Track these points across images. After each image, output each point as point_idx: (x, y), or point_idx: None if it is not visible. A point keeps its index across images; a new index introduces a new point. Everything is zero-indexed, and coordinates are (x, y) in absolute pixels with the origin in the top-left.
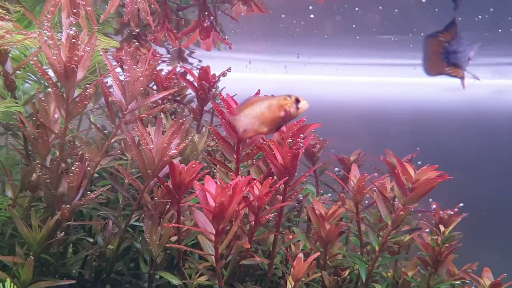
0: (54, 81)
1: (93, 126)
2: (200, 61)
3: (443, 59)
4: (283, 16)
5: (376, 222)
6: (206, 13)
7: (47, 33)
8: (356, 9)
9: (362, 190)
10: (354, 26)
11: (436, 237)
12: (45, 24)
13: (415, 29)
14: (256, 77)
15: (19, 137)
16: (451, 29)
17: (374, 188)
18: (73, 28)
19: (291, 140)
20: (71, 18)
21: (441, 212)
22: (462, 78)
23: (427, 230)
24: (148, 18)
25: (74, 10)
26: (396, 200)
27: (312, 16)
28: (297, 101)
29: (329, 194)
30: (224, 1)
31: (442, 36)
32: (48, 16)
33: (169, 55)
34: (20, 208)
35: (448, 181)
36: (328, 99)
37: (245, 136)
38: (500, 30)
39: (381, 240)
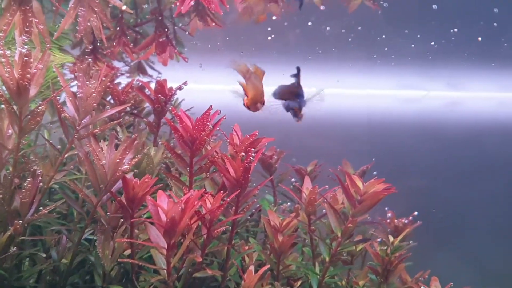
0: (7, 98)
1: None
2: (159, 73)
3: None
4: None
5: (329, 233)
6: (163, 28)
7: (0, 51)
8: (309, 23)
9: (313, 202)
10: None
11: (386, 247)
12: None
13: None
14: (217, 88)
15: None
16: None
17: (325, 200)
18: (25, 46)
19: (244, 154)
20: (23, 36)
21: (395, 220)
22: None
23: (378, 239)
24: (100, 36)
25: (26, 29)
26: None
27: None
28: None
29: (289, 203)
30: (181, 16)
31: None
32: (0, 34)
33: (127, 67)
34: None
35: (404, 189)
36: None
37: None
38: (451, 44)
39: (331, 250)
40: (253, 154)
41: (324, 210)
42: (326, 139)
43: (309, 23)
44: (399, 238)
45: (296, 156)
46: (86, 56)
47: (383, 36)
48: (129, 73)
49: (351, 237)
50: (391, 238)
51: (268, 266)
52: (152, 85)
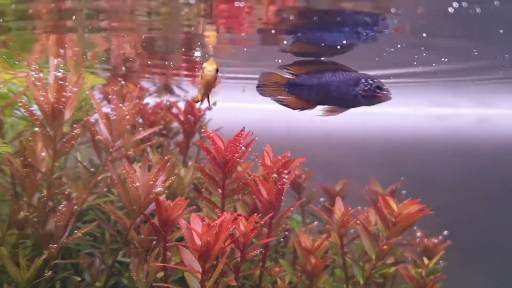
0: (41, 121)
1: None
2: (187, 92)
3: (284, 88)
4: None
5: (362, 255)
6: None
7: (35, 75)
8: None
9: (346, 224)
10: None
11: (420, 269)
12: (33, 66)
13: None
14: (246, 106)
15: (6, 174)
16: (305, 66)
17: (358, 222)
18: (60, 70)
19: (276, 175)
20: (58, 60)
21: (425, 240)
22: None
23: (410, 258)
24: (133, 63)
25: (60, 51)
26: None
27: None
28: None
29: (316, 223)
30: None
31: (291, 69)
32: (36, 58)
33: (155, 87)
34: (7, 246)
35: (433, 207)
36: (313, 128)
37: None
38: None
39: (365, 273)
40: (286, 176)
41: (352, 230)
42: (353, 158)
43: None
44: (434, 260)
45: (323, 174)
46: (118, 78)
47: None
48: (157, 93)
49: (383, 259)
50: (425, 261)
51: None
52: (181, 105)
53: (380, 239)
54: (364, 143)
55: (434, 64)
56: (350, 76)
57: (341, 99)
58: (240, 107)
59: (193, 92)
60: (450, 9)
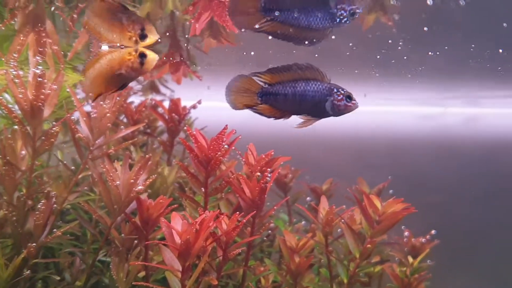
0: (20, 119)
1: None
2: (172, 91)
3: (257, 97)
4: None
5: (346, 254)
6: (176, 47)
7: (14, 72)
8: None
9: (331, 223)
10: (316, 56)
11: (405, 268)
12: (12, 62)
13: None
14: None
15: None
16: (278, 73)
17: (342, 221)
18: (40, 67)
19: (259, 174)
20: (38, 57)
21: (413, 239)
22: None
23: (397, 258)
24: None
25: (40, 49)
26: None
27: None
28: (142, 55)
29: (303, 222)
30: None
31: (263, 77)
32: (15, 55)
33: (140, 86)
34: None
35: (420, 206)
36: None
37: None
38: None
39: (350, 272)
40: (269, 175)
41: (339, 230)
42: (340, 156)
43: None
44: (419, 259)
45: (310, 173)
46: None
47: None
48: (142, 92)
49: (368, 257)
50: (410, 259)
51: None
52: (165, 104)
53: (365, 238)
54: (352, 143)
55: (421, 63)
56: (323, 85)
57: (315, 109)
58: (227, 106)
59: (181, 91)
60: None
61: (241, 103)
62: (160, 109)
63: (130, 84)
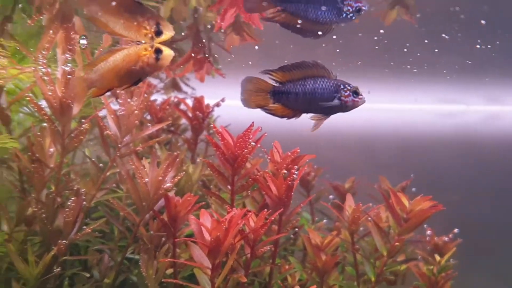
0: (49, 116)
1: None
2: (194, 89)
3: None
4: (276, 42)
5: (372, 252)
6: (200, 45)
7: (43, 69)
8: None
9: (357, 221)
10: (338, 50)
11: (432, 266)
12: (41, 60)
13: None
14: None
15: (13, 170)
16: (289, 71)
17: (369, 218)
18: (69, 64)
19: (285, 171)
20: (67, 54)
21: (435, 238)
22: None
23: (419, 257)
24: None
25: (69, 47)
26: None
27: None
28: (158, 51)
29: (325, 221)
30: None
31: (274, 75)
32: (43, 52)
33: (162, 84)
34: (16, 242)
35: (443, 205)
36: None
37: (92, 95)
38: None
39: (377, 270)
40: (296, 172)
41: (361, 228)
42: (360, 155)
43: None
44: (446, 257)
45: (331, 172)
46: None
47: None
48: (164, 90)
49: (395, 256)
50: (437, 257)
51: (314, 287)
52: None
53: (391, 236)
54: (373, 141)
55: (443, 60)
56: (330, 82)
57: (325, 106)
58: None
59: (202, 88)
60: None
61: (254, 103)
62: (183, 107)
63: (153, 82)
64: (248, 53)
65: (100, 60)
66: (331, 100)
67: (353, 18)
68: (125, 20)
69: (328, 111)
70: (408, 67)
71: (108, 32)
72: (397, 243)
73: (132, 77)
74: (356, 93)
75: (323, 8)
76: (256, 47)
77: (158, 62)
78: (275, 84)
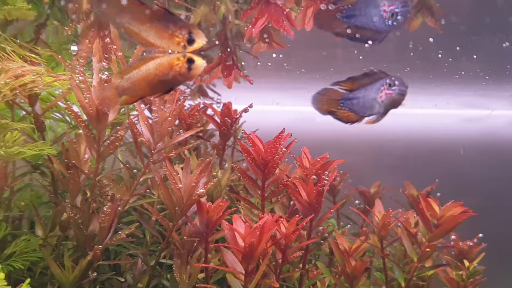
0: (86, 123)
1: (120, 164)
2: (219, 95)
3: (339, 104)
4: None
5: (401, 258)
6: (228, 51)
7: (79, 77)
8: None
9: (387, 226)
10: (361, 57)
11: (461, 272)
12: (77, 68)
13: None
14: (274, 109)
15: (46, 176)
16: (356, 80)
17: (399, 224)
18: (106, 72)
19: (315, 177)
20: (103, 63)
21: (460, 243)
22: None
23: (444, 261)
24: None
25: (106, 55)
26: (419, 234)
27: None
28: (190, 61)
29: (348, 226)
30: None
31: (344, 85)
32: (80, 60)
33: (188, 89)
34: (50, 247)
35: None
36: (344, 129)
37: (123, 102)
38: None
39: (406, 276)
40: (326, 178)
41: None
42: (385, 160)
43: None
44: (475, 262)
45: (353, 177)
46: None
47: (440, 54)
48: (190, 95)
49: (424, 261)
50: (466, 263)
51: None
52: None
53: (420, 242)
54: (396, 145)
55: (465, 64)
56: (383, 82)
57: (383, 107)
58: (265, 110)
59: (228, 94)
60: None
61: (325, 110)
62: (209, 112)
63: (180, 88)
64: (262, 56)
65: (132, 68)
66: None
67: (395, 23)
68: (157, 29)
69: (384, 111)
70: (430, 71)
71: (140, 42)
72: (427, 249)
73: (164, 86)
74: (389, 85)
75: (375, 19)
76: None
77: (190, 72)
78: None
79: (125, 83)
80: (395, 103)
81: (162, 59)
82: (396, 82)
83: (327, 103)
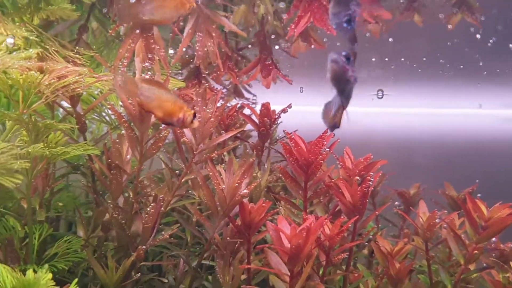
0: (129, 123)
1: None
2: (255, 96)
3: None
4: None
5: (445, 260)
6: (267, 51)
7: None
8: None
9: (433, 228)
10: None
11: (508, 274)
12: (120, 68)
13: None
14: (308, 109)
15: (86, 177)
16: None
17: (444, 225)
18: (149, 72)
19: (358, 178)
20: (147, 63)
21: (501, 245)
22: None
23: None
24: (217, 61)
25: (149, 56)
26: (463, 236)
27: None
28: (195, 115)
29: (386, 228)
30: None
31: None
32: (124, 61)
33: (224, 90)
34: (91, 248)
35: None
36: (381, 130)
37: (140, 105)
38: None
39: (452, 278)
40: (371, 178)
41: None
42: (421, 160)
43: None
44: None
45: (391, 178)
46: (197, 80)
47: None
48: (226, 96)
49: (471, 264)
50: None
51: None
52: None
53: (466, 244)
54: (433, 146)
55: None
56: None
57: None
58: (304, 110)
59: (264, 94)
60: None
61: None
62: (248, 112)
63: (218, 88)
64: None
65: (154, 84)
66: None
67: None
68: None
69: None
70: (471, 70)
71: None
72: (475, 251)
73: (162, 116)
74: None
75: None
76: None
77: (188, 123)
78: None
79: (142, 90)
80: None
81: (179, 99)
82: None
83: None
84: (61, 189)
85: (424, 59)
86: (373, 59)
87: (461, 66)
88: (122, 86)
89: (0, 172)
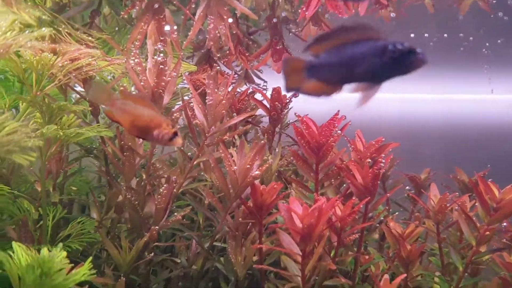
0: None
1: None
2: (265, 82)
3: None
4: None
5: (456, 242)
6: (278, 36)
7: (135, 60)
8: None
9: (444, 210)
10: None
11: None
12: (133, 51)
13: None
14: None
15: (99, 160)
16: (326, 41)
17: (456, 208)
18: (161, 54)
19: (370, 160)
20: (159, 45)
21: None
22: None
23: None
24: (228, 43)
25: (161, 38)
26: (474, 218)
27: None
28: (175, 134)
29: (397, 213)
30: (293, 23)
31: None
32: (136, 43)
33: (236, 75)
34: (105, 229)
35: None
36: (392, 115)
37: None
38: None
39: (464, 260)
40: (383, 160)
41: None
42: (432, 145)
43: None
44: None
45: (402, 162)
46: (208, 63)
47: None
48: (237, 81)
49: (483, 245)
50: None
51: (404, 275)
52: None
53: (478, 226)
54: (444, 131)
55: None
56: (375, 44)
57: (368, 73)
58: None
59: (275, 80)
60: None
61: (291, 85)
62: (259, 97)
63: (229, 72)
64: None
65: (133, 99)
66: (377, 64)
67: None
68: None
69: (374, 78)
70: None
71: None
72: (487, 232)
73: (140, 132)
74: (411, 51)
75: None
76: None
77: (168, 141)
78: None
79: (119, 103)
80: (410, 71)
81: (158, 115)
82: (418, 50)
83: (293, 76)
84: (75, 173)
85: (431, 44)
86: None
87: (472, 52)
88: (94, 93)
89: (14, 150)
